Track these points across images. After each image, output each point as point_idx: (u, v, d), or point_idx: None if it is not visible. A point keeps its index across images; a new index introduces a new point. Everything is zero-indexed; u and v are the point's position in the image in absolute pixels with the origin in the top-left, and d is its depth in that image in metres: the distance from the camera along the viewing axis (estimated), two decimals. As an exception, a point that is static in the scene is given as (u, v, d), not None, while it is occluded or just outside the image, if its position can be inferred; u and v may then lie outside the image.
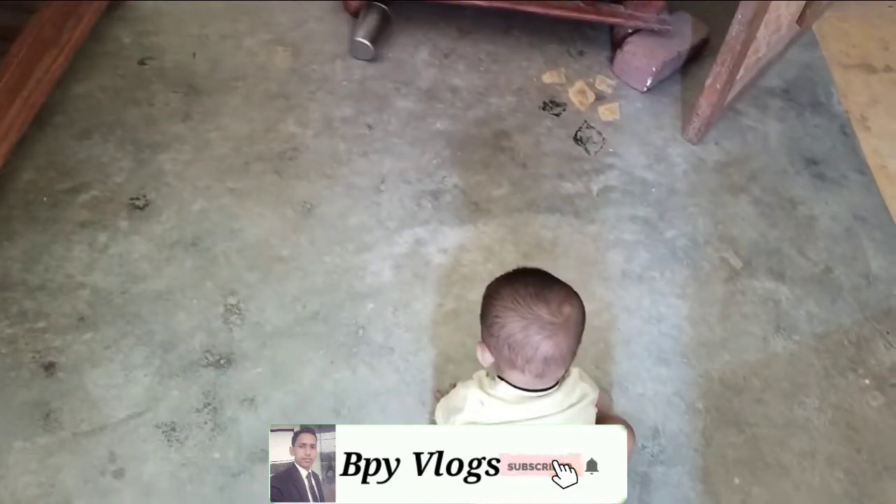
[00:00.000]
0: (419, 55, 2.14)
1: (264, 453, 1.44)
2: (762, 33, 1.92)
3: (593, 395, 1.25)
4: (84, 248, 1.66)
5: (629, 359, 1.64)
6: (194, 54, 2.04)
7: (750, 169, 2.00)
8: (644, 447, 1.52)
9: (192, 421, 1.47)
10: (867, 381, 1.65)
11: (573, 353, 1.19)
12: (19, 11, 1.80)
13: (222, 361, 1.55)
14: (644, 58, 2.09)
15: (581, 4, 2.10)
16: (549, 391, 1.20)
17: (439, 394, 1.51)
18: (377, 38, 2.08)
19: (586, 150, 2.00)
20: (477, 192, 1.87)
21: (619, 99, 2.12)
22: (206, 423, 1.47)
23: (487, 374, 1.26)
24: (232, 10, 2.15)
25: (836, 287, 1.80)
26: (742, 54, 1.86)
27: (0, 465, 1.39)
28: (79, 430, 1.44)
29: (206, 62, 2.03)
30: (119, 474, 1.40)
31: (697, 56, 2.23)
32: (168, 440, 1.44)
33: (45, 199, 1.73)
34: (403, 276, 1.71)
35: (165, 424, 1.46)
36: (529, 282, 1.19)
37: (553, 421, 1.19)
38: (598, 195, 1.91)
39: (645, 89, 2.12)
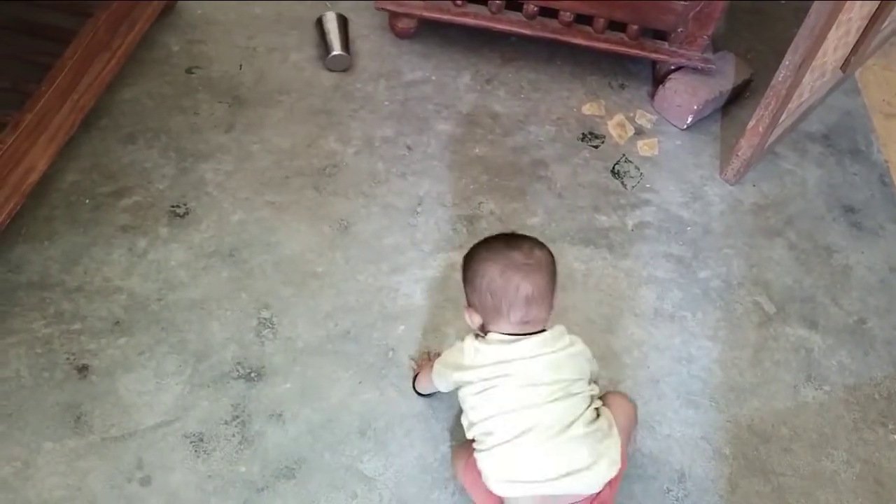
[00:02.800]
0: (461, 79, 2.16)
1: (289, 470, 1.45)
2: (807, 78, 1.92)
3: (583, 349, 1.35)
4: (123, 253, 1.68)
5: (658, 398, 1.63)
6: (241, 66, 2.06)
7: (787, 213, 2.00)
8: (669, 490, 1.51)
9: (220, 433, 1.48)
10: (897, 437, 1.64)
11: (551, 296, 1.32)
12: (75, 15, 1.83)
13: (253, 375, 1.56)
14: (686, 95, 2.09)
15: (625, 38, 2.11)
16: (536, 333, 1.31)
17: (415, 364, 1.60)
18: (348, 45, 2.10)
19: (623, 184, 2.00)
20: (512, 220, 1.88)
21: (658, 134, 2.12)
22: (233, 435, 1.48)
23: (476, 335, 1.35)
24: (280, 23, 2.17)
25: (869, 339, 1.78)
26: (787, 98, 1.86)
27: (29, 465, 1.40)
28: (108, 435, 1.45)
29: (253, 74, 2.05)
30: (146, 482, 1.41)
31: (738, 96, 2.23)
32: (196, 451, 1.45)
33: (87, 201, 1.75)
34: (435, 300, 1.71)
35: (194, 435, 1.47)
36: (499, 237, 1.37)
37: (544, 361, 1.28)
38: (633, 230, 1.90)
39: (685, 127, 2.12)
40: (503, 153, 2.01)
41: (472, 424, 1.32)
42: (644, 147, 2.09)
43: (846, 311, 1.83)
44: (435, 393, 1.53)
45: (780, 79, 1.81)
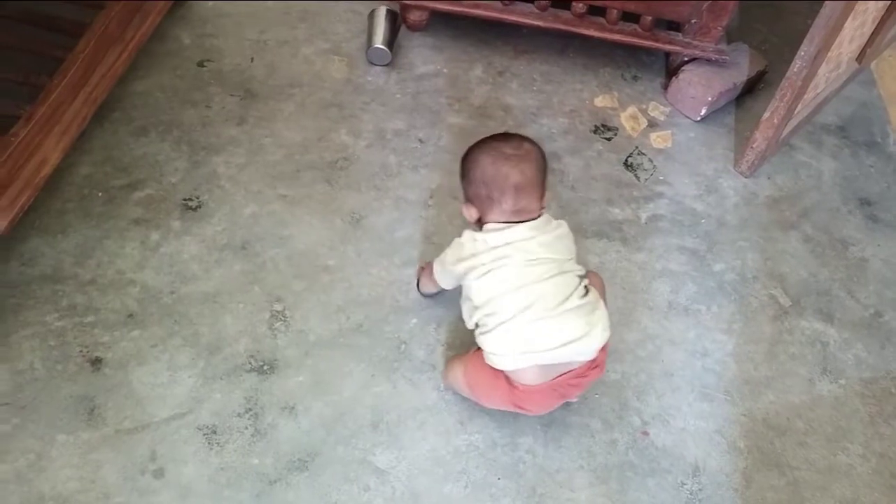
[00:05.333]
0: (473, 72, 2.14)
1: (302, 463, 1.45)
2: (822, 70, 1.90)
3: (569, 231, 1.47)
4: (136, 246, 1.68)
5: (672, 392, 1.62)
6: (252, 59, 2.06)
7: (802, 206, 1.98)
8: (683, 484, 1.50)
9: (232, 425, 1.48)
10: (914, 432, 1.63)
11: (541, 187, 1.44)
12: (87, 8, 1.83)
13: (265, 367, 1.56)
14: (700, 87, 2.08)
15: (638, 30, 2.09)
16: (528, 221, 1.42)
17: (421, 269, 1.68)
18: (392, 41, 2.10)
19: (636, 176, 1.98)
20: (525, 213, 1.87)
21: (671, 127, 2.10)
22: (246, 428, 1.48)
23: (472, 230, 1.46)
24: (291, 17, 2.17)
25: (885, 332, 1.77)
26: (802, 90, 1.84)
27: (43, 457, 1.41)
28: (122, 428, 1.45)
29: (264, 67, 2.04)
30: (158, 474, 1.41)
31: (753, 88, 2.21)
32: (209, 443, 1.45)
33: (100, 194, 1.75)
34: (447, 293, 1.70)
35: (207, 427, 1.47)
36: (493, 135, 1.50)
37: (539, 241, 1.39)
38: (646, 223, 1.89)
39: (699, 119, 2.11)
40: (515, 146, 2.00)
41: (475, 309, 1.41)
42: (657, 139, 2.07)
43: (862, 305, 1.81)
44: (438, 294, 1.65)
45: (795, 70, 1.79)
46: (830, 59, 1.89)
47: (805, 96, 1.91)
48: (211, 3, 2.16)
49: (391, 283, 1.71)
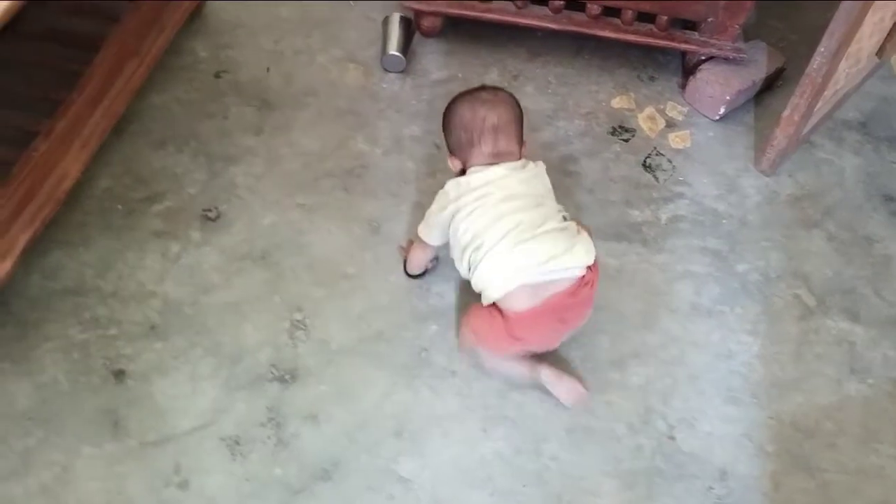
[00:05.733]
0: (488, 76, 2.14)
1: (325, 472, 1.45)
2: (842, 66, 1.87)
3: (543, 168, 1.58)
4: (157, 258, 1.69)
5: (697, 395, 1.60)
6: (268, 69, 2.06)
7: (824, 203, 1.95)
8: (711, 489, 1.48)
9: (255, 435, 1.48)
10: (945, 431, 1.60)
11: (518, 131, 1.55)
12: (103, 21, 1.84)
13: (287, 377, 1.55)
14: (718, 86, 2.06)
15: (654, 30, 2.08)
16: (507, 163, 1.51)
17: (402, 250, 1.74)
18: (406, 48, 2.10)
19: (655, 177, 1.97)
20: (543, 217, 1.85)
21: (690, 126, 2.09)
22: (269, 438, 1.48)
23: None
24: (306, 25, 2.17)
25: (913, 330, 1.74)
26: (822, 86, 1.82)
27: (68, 470, 1.41)
28: (146, 440, 1.46)
29: (280, 77, 2.05)
30: (183, 486, 1.41)
31: (771, 85, 2.19)
32: (232, 454, 1.45)
33: (120, 206, 1.76)
34: (466, 299, 1.69)
35: (230, 437, 1.47)
36: (469, 89, 1.60)
37: (517, 178, 1.49)
38: (666, 224, 1.87)
39: (717, 118, 2.09)
40: (532, 149, 1.97)
41: (464, 250, 1.49)
42: (676, 139, 2.05)
43: (888, 302, 1.78)
44: (424, 274, 1.71)
45: (815, 66, 1.77)
46: (850, 55, 1.87)
47: (825, 93, 1.89)
48: (226, 15, 2.17)
49: (410, 289, 1.70)
